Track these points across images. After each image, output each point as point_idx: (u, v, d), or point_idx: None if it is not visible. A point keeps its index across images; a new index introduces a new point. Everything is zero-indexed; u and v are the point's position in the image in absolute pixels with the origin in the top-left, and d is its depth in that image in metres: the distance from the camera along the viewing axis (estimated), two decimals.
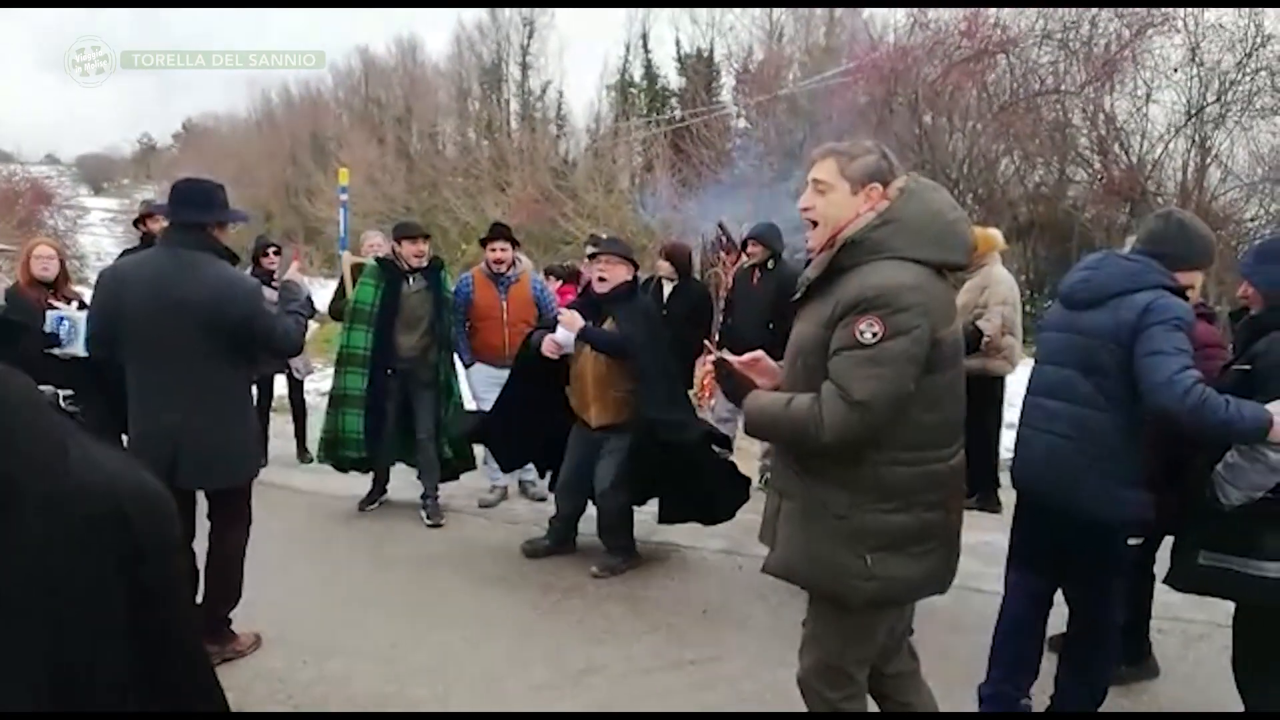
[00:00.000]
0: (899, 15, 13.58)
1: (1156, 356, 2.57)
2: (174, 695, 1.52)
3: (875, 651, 2.37)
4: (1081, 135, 11.00)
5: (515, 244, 5.72)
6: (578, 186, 18.12)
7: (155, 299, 3.30)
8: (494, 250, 5.58)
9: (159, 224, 5.67)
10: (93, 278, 5.39)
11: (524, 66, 24.81)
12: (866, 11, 15.77)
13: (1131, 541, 2.87)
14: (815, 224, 2.25)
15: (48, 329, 4.15)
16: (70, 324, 4.18)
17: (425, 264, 5.31)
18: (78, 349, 4.11)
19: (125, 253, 6.03)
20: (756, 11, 18.97)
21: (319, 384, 8.72)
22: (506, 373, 4.98)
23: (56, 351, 4.11)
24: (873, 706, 2.46)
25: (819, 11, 18.11)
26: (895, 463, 2.12)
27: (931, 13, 11.56)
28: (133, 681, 1.45)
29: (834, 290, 2.15)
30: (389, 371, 5.23)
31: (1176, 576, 2.88)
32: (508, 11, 24.57)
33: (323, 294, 8.18)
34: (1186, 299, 2.74)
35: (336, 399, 5.29)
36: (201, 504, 3.51)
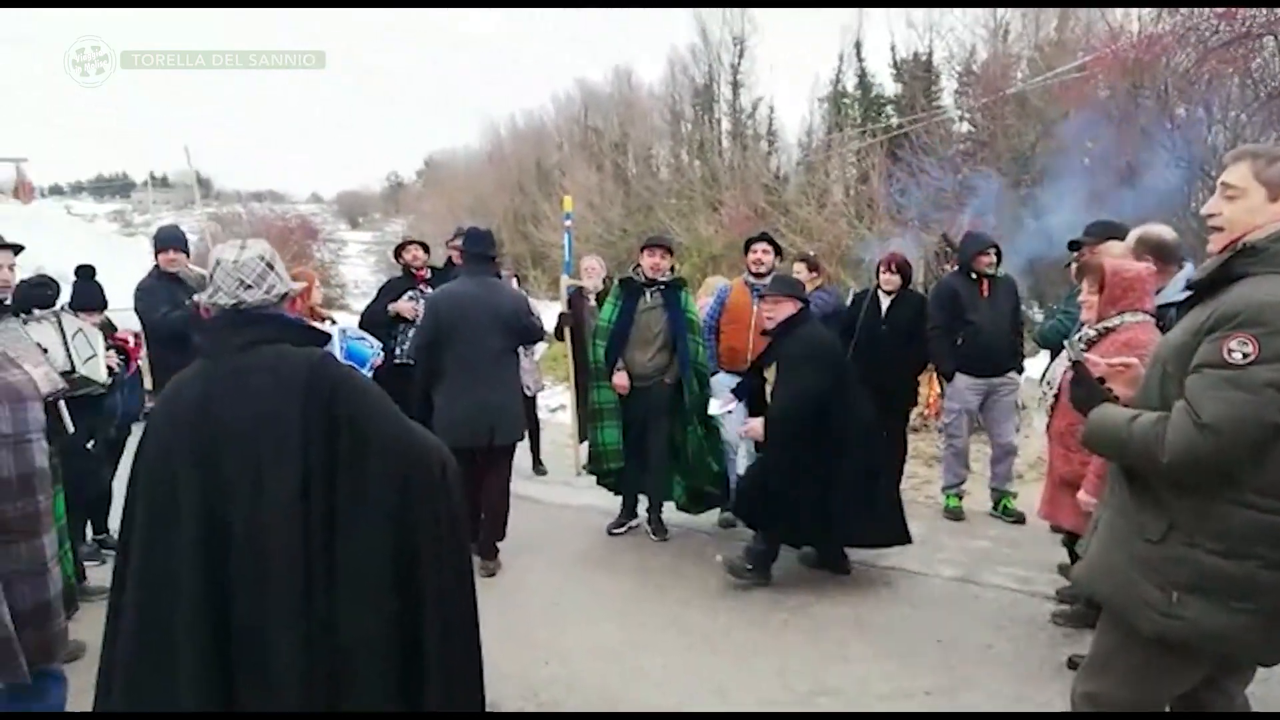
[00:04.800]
0: None
1: None
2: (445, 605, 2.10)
3: (1160, 703, 2.17)
4: None
5: (779, 252, 5.79)
6: (790, 202, 18.01)
7: (483, 312, 4.77)
8: (755, 253, 5.66)
9: (411, 254, 6.48)
10: (354, 305, 6.17)
11: (735, 85, 25.00)
12: None
13: None
14: (1220, 230, 2.07)
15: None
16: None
17: (664, 280, 5.36)
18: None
19: (391, 280, 6.83)
20: (980, 10, 18.07)
21: (547, 400, 9.36)
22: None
23: None
24: None
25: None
26: (1242, 504, 1.92)
27: None
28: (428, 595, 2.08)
29: (1216, 298, 1.98)
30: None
31: None
32: (719, 32, 24.92)
33: (547, 315, 8.70)
34: None
35: (593, 413, 5.46)
36: None
